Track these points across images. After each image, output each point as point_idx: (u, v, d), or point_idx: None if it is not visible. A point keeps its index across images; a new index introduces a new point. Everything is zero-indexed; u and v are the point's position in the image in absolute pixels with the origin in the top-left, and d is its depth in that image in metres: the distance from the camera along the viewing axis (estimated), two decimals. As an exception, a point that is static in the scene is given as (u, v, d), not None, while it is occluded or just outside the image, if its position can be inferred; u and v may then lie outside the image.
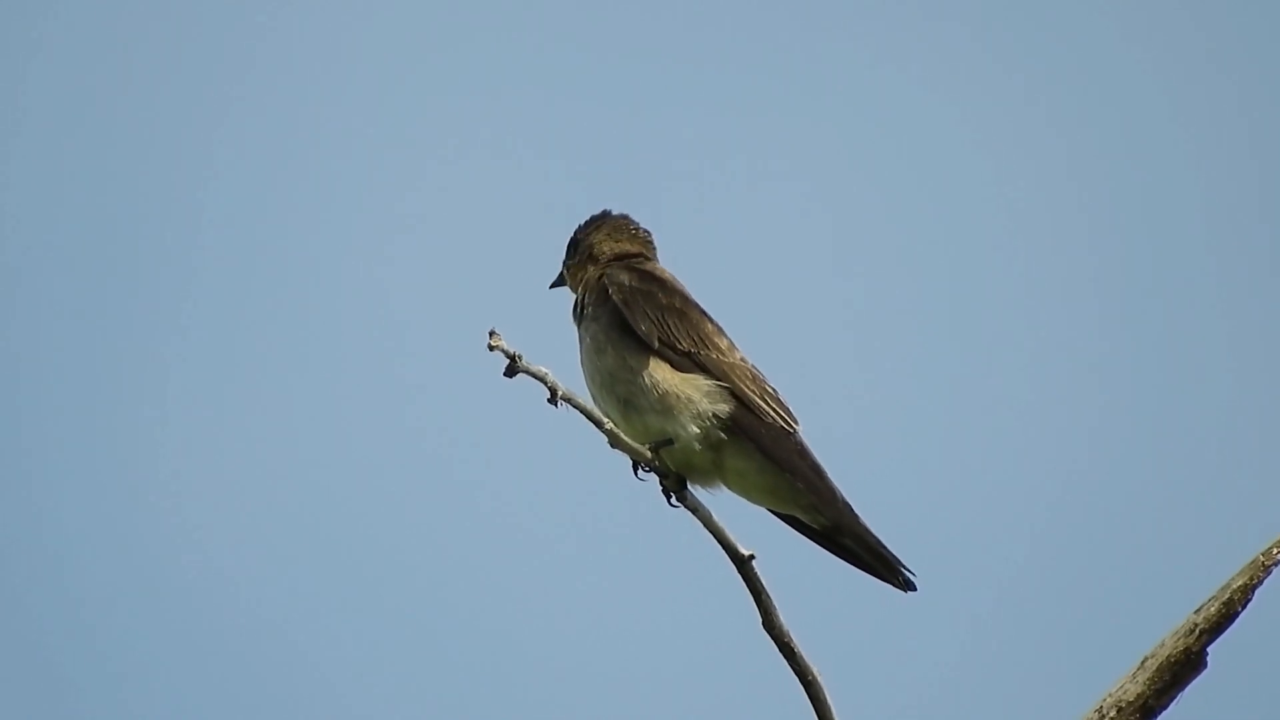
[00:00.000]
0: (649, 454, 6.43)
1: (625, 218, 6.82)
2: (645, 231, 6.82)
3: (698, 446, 6.45)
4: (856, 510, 6.49)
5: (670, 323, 6.54)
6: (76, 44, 9.98)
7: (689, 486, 6.48)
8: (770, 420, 6.49)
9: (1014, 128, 9.92)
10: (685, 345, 6.52)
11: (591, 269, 6.73)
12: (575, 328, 6.67)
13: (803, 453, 6.50)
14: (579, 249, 6.79)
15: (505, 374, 6.23)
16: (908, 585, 6.51)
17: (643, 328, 6.52)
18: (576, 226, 6.83)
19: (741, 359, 6.56)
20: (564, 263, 6.83)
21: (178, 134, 9.82)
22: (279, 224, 9.65)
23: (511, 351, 6.21)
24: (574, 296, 6.75)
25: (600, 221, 6.82)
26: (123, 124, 9.84)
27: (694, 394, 6.47)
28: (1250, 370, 8.90)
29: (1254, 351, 8.95)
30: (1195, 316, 9.47)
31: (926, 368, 9.15)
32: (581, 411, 6.33)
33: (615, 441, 6.38)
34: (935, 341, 9.27)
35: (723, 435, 6.46)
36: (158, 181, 9.76)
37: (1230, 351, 9.14)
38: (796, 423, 6.54)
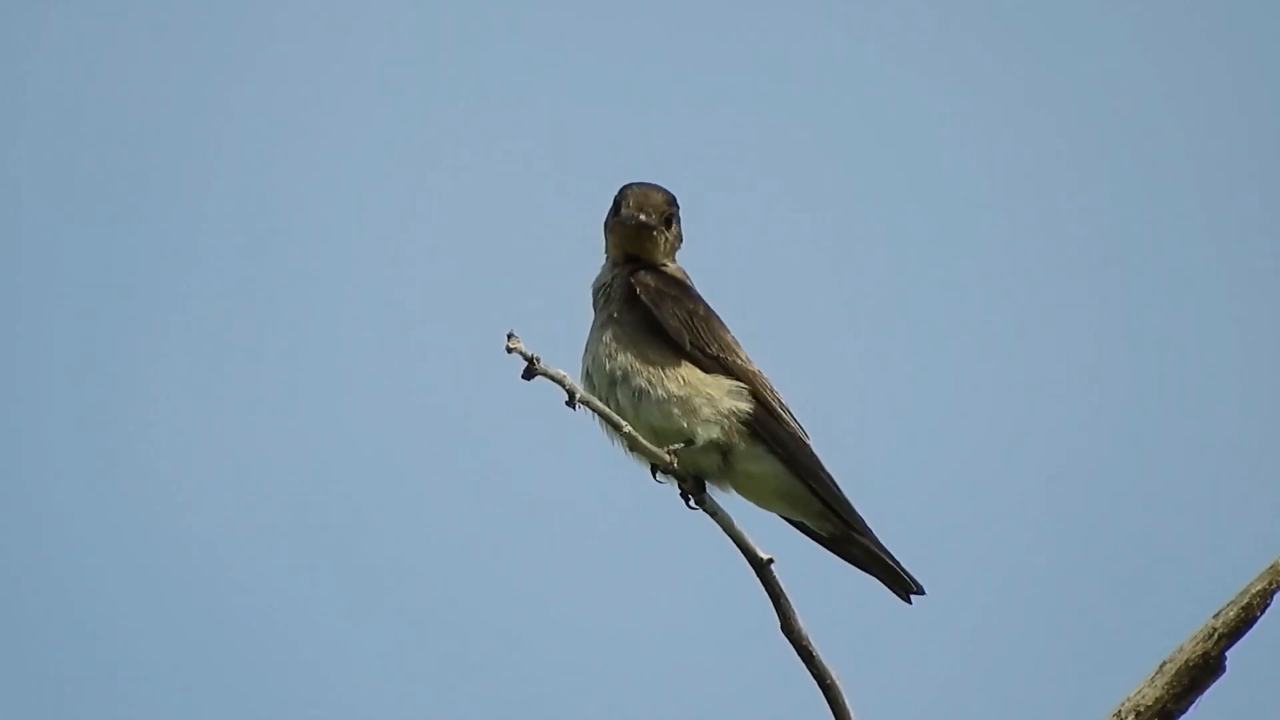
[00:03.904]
0: (667, 457, 6.43)
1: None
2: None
3: (717, 442, 6.45)
4: (868, 524, 6.52)
5: (699, 327, 6.54)
6: (89, 44, 10.02)
7: (707, 490, 6.49)
8: (790, 427, 6.51)
9: (1010, 126, 9.93)
10: (714, 350, 6.52)
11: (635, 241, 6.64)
12: (593, 307, 6.62)
13: (818, 461, 6.51)
14: (670, 219, 6.66)
15: (523, 376, 6.23)
16: (908, 597, 6.52)
17: (673, 325, 6.52)
18: (663, 192, 6.63)
19: (759, 370, 6.57)
20: (653, 223, 6.61)
21: (189, 137, 9.84)
22: (291, 226, 9.67)
23: (530, 354, 6.21)
24: (602, 270, 6.66)
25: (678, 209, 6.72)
26: (131, 126, 9.86)
27: (715, 392, 6.48)
28: (1274, 371, 8.89)
29: (1276, 352, 8.93)
30: (1212, 312, 9.46)
31: (939, 370, 9.15)
32: (600, 414, 6.33)
33: (634, 445, 6.39)
34: (945, 343, 9.27)
35: (741, 438, 6.47)
36: (167, 183, 9.78)
37: (1252, 353, 9.12)
38: (808, 435, 6.56)
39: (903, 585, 6.52)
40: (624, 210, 6.61)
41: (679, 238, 6.70)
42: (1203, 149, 9.82)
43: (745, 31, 10.03)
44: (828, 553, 6.62)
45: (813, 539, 6.60)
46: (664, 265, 6.67)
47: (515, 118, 9.68)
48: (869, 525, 6.50)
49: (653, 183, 6.67)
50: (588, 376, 6.54)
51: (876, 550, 6.50)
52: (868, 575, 6.57)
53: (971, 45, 10.05)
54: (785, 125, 9.81)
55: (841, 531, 6.53)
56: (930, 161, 9.91)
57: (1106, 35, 10.07)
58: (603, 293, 6.64)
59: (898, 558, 6.51)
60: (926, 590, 6.51)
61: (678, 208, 6.69)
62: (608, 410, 6.36)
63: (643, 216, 6.60)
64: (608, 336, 6.54)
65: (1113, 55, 10.06)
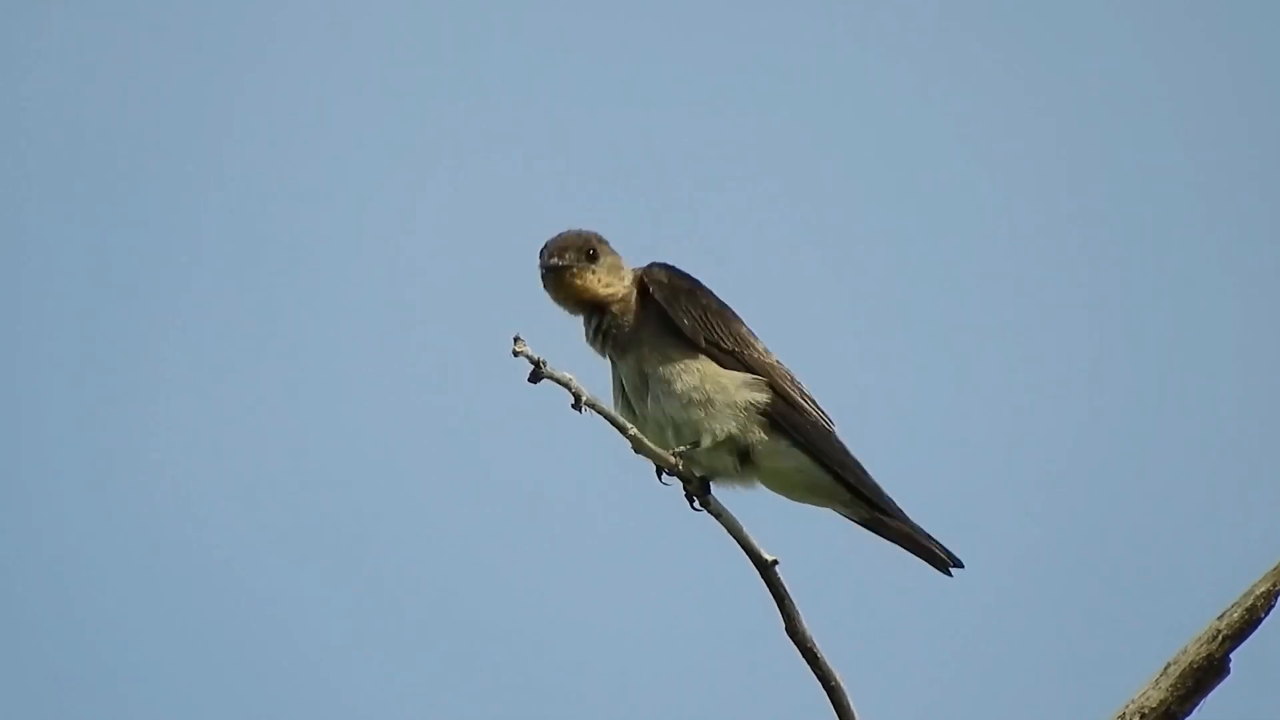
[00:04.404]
0: (673, 459, 6.44)
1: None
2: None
3: (733, 439, 6.46)
4: (898, 505, 6.53)
5: (713, 322, 6.54)
6: (91, 45, 10.02)
7: (712, 491, 6.50)
8: (812, 417, 6.52)
9: (1010, 126, 9.94)
10: (729, 344, 6.53)
11: (599, 277, 6.63)
12: (603, 354, 6.62)
13: (844, 449, 6.53)
14: (591, 254, 6.65)
15: (529, 380, 6.24)
16: (949, 570, 6.54)
17: (686, 323, 6.52)
18: (573, 233, 6.64)
19: (778, 361, 6.58)
20: (566, 262, 6.59)
21: (192, 138, 9.84)
22: (295, 227, 9.67)
23: (535, 357, 6.21)
24: (582, 315, 6.67)
25: (604, 242, 6.71)
26: (134, 126, 9.86)
27: (730, 385, 6.49)
28: (1276, 371, 8.89)
29: (1277, 352, 8.94)
30: (1214, 312, 9.47)
31: (939, 371, 9.15)
32: (605, 417, 6.34)
33: (639, 447, 6.39)
34: (946, 342, 9.28)
35: (761, 432, 6.47)
36: (171, 184, 9.78)
37: (1254, 353, 9.13)
38: (833, 423, 6.57)
39: (940, 562, 6.53)
40: (539, 265, 6.60)
41: (618, 267, 6.64)
42: (1203, 149, 9.84)
43: (745, 31, 10.04)
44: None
45: (849, 520, 6.61)
46: (614, 296, 6.61)
47: (518, 119, 9.69)
48: (899, 506, 6.52)
49: (567, 230, 6.65)
50: (623, 399, 6.55)
51: (910, 531, 6.52)
52: (905, 553, 6.59)
53: (971, 45, 10.06)
54: (785, 125, 9.82)
55: (872, 516, 6.55)
56: (930, 161, 9.93)
57: (1107, 35, 10.09)
58: (599, 339, 6.61)
59: (932, 534, 6.53)
60: (964, 565, 6.54)
61: (603, 240, 6.63)
62: (614, 413, 6.37)
63: (554, 261, 6.58)
64: (634, 355, 6.53)
65: (1113, 55, 10.08)
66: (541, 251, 6.61)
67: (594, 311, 6.62)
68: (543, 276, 6.60)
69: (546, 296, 6.64)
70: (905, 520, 6.52)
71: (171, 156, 9.78)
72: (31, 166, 9.77)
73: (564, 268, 6.59)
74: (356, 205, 9.62)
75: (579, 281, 6.61)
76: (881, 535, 6.58)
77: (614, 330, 6.58)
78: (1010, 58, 10.02)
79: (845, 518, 6.60)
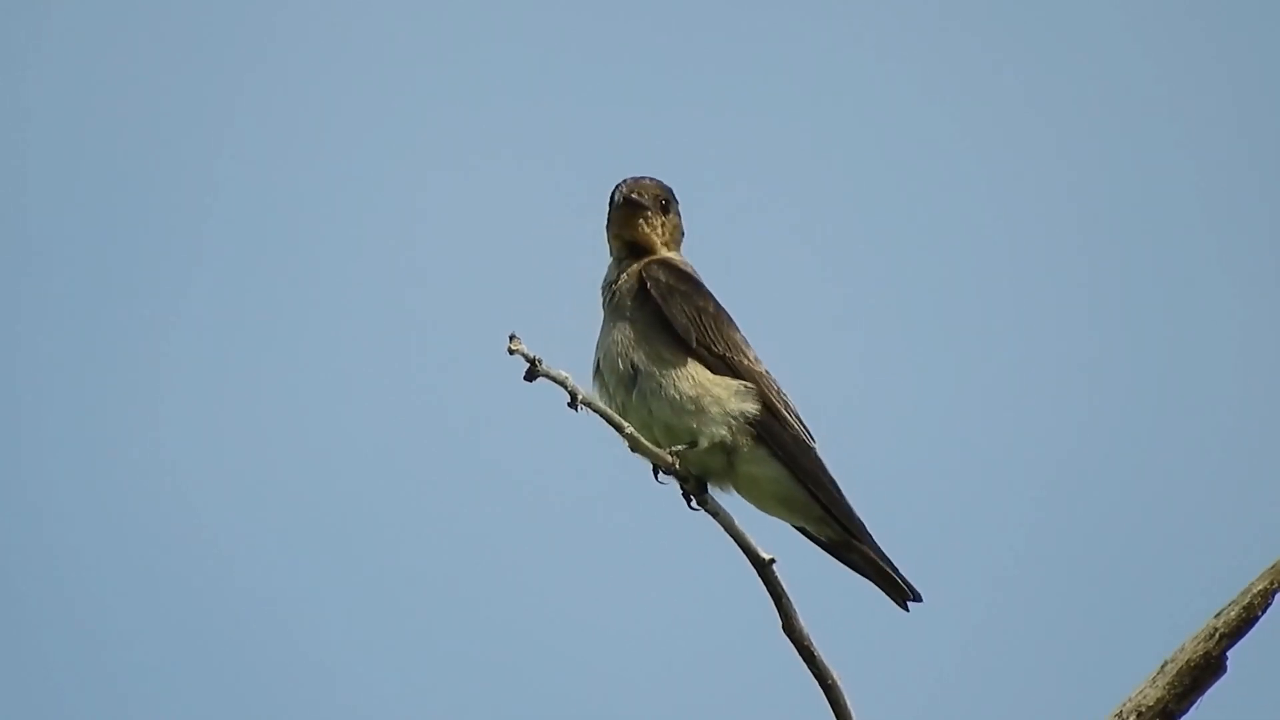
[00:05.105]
0: (669, 458, 6.43)
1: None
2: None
3: (723, 440, 6.45)
4: (869, 530, 6.52)
5: (706, 324, 6.54)
6: (93, 45, 10.03)
7: (709, 490, 6.49)
8: (794, 430, 6.51)
9: (1009, 126, 9.94)
10: (720, 348, 6.53)
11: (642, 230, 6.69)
12: (602, 306, 6.65)
13: (822, 467, 6.52)
14: (665, 206, 6.69)
15: (525, 378, 6.23)
16: (905, 605, 6.54)
17: (680, 322, 6.52)
18: (657, 182, 6.71)
19: (766, 371, 6.57)
20: (644, 201, 6.67)
21: (193, 138, 9.85)
22: (294, 227, 9.68)
23: (531, 355, 6.20)
24: (610, 261, 6.71)
25: (676, 202, 6.76)
26: (135, 127, 9.87)
27: (723, 393, 6.48)
28: (1274, 371, 8.89)
29: (1276, 352, 8.94)
30: (1212, 312, 9.47)
31: (938, 370, 9.16)
32: (602, 416, 6.33)
33: (636, 446, 6.38)
34: (943, 343, 9.28)
35: (746, 439, 6.47)
36: (172, 184, 9.79)
37: (1252, 353, 9.13)
38: (814, 440, 6.56)
39: (900, 593, 6.53)
40: (616, 195, 6.67)
41: (679, 229, 6.73)
42: (1203, 149, 9.84)
43: (745, 31, 10.05)
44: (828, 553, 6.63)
45: (812, 542, 6.61)
46: (667, 255, 6.67)
47: (516, 118, 9.70)
48: (869, 531, 6.52)
49: (649, 175, 6.74)
50: (598, 372, 6.56)
51: (875, 558, 6.52)
52: (866, 580, 6.59)
53: (971, 46, 10.07)
54: (785, 125, 9.82)
55: (841, 538, 6.54)
56: (929, 161, 9.93)
57: (1107, 35, 10.09)
58: (610, 290, 6.65)
59: (896, 564, 6.53)
60: (924, 597, 6.52)
61: (675, 200, 6.73)
62: (610, 412, 6.36)
63: (634, 196, 6.65)
64: (619, 334, 6.54)
65: (1113, 55, 10.08)
66: (620, 184, 6.69)
67: (629, 259, 6.66)
68: (616, 205, 6.68)
69: (607, 230, 6.73)
70: (872, 545, 6.51)
71: (172, 157, 9.80)
72: (31, 166, 9.79)
73: (640, 205, 6.66)
74: (356, 205, 9.64)
75: (645, 226, 6.69)
76: (844, 561, 6.58)
77: (616, 295, 6.59)
78: (1010, 58, 10.03)
79: (811, 539, 6.60)
